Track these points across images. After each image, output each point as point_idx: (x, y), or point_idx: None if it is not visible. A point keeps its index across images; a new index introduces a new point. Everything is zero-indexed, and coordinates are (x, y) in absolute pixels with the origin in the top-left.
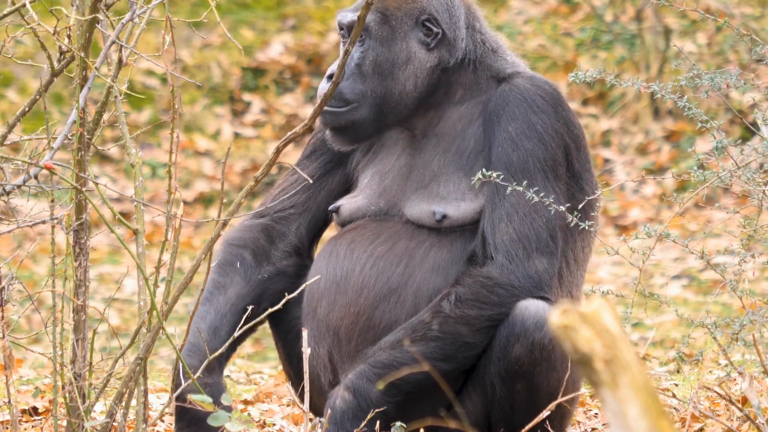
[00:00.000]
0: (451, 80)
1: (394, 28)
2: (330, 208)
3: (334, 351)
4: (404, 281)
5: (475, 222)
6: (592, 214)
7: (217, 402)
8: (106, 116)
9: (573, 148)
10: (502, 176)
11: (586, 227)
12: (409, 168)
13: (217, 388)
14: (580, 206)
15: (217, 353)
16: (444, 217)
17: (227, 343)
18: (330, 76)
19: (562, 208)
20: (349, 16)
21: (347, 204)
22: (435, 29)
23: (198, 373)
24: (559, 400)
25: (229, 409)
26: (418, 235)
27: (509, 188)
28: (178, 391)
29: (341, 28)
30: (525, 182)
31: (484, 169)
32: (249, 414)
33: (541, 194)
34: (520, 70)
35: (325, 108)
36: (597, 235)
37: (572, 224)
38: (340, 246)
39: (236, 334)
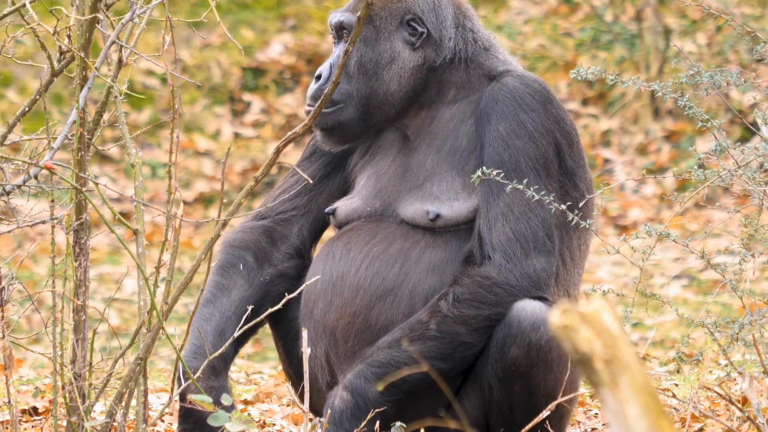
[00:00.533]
0: (442, 79)
1: (378, 28)
2: (326, 210)
3: (331, 352)
4: (400, 281)
5: (469, 221)
6: (593, 213)
7: (217, 402)
8: (106, 116)
9: (565, 145)
10: (502, 174)
11: (586, 226)
12: (404, 168)
13: (223, 391)
14: (580, 204)
15: (218, 353)
16: (437, 216)
17: (228, 343)
18: (318, 77)
19: (563, 207)
20: (337, 16)
21: (343, 206)
22: (420, 29)
23: (198, 373)
24: (559, 400)
25: (229, 408)
26: (413, 235)
27: (508, 187)
28: (180, 389)
29: (331, 29)
30: (517, 181)
31: (484, 167)
32: (249, 414)
33: (541, 193)
34: (511, 68)
35: (312, 108)
36: (596, 232)
37: (569, 222)
38: (336, 247)
39: (236, 334)
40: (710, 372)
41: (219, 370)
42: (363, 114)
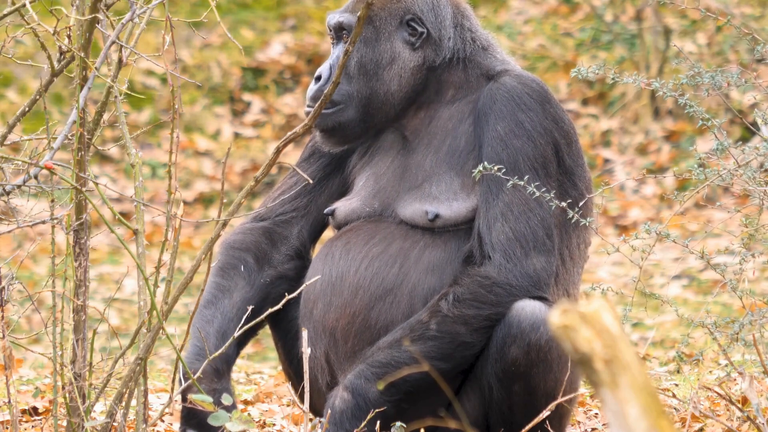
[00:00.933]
0: (441, 79)
1: (378, 28)
2: (325, 211)
3: (331, 352)
4: (399, 282)
5: (468, 221)
6: (592, 212)
7: (218, 403)
8: (106, 116)
9: (563, 144)
10: (504, 170)
11: (586, 224)
12: (402, 169)
13: (227, 393)
14: (581, 203)
15: (217, 353)
16: (436, 216)
17: (227, 344)
18: (318, 78)
19: (563, 204)
20: (336, 17)
21: (342, 207)
22: (420, 29)
23: (198, 374)
24: (558, 400)
25: (230, 408)
26: (413, 236)
27: (508, 185)
28: (180, 389)
29: (330, 30)
30: (517, 180)
31: (485, 163)
32: (249, 414)
33: (540, 191)
34: (509, 68)
35: (311, 110)
36: (596, 231)
37: (568, 221)
38: (336, 248)
39: (236, 334)
40: (710, 372)
41: (222, 372)
42: (363, 114)
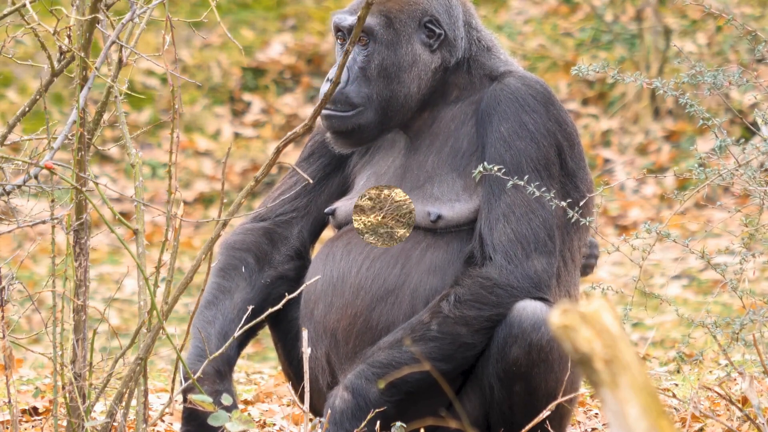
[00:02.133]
0: (448, 80)
1: (398, 31)
2: (326, 210)
3: (332, 353)
4: (401, 282)
5: (470, 222)
6: (592, 213)
7: (218, 403)
8: (106, 116)
9: (566, 147)
10: (504, 170)
11: (587, 224)
12: (404, 169)
13: (229, 394)
14: (581, 204)
15: (218, 353)
16: (439, 217)
17: (228, 343)
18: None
19: (563, 204)
20: (348, 19)
21: (343, 206)
22: (437, 30)
23: (198, 374)
24: (559, 400)
25: (230, 408)
26: (414, 236)
27: (508, 186)
28: (181, 389)
29: (338, 31)
30: (518, 181)
31: (485, 163)
32: (249, 414)
33: (540, 193)
34: (512, 69)
35: (330, 112)
36: (596, 230)
37: (569, 222)
38: (337, 248)
39: (236, 334)
40: (710, 372)
41: (224, 373)
42: (382, 117)
